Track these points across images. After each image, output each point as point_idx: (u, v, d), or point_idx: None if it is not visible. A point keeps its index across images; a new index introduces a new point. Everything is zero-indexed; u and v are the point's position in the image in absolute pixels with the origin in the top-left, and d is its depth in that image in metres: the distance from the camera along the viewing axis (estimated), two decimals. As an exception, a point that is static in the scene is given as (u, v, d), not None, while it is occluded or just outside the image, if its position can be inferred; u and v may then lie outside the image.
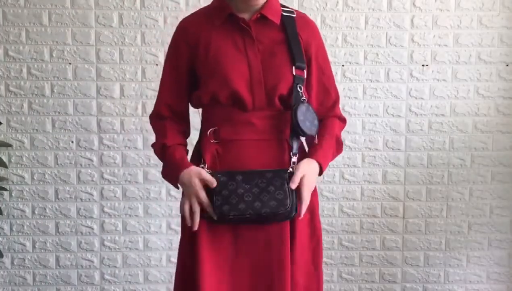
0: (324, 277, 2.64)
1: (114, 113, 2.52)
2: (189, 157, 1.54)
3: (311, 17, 2.52)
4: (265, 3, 1.47)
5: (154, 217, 2.57)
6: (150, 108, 2.50)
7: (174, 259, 2.60)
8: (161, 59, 2.49)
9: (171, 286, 2.61)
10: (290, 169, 1.40)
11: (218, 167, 1.45)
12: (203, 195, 1.39)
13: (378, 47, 2.53)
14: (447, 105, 2.57)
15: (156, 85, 2.49)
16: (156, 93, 2.54)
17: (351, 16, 2.51)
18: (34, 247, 2.57)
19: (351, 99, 2.55)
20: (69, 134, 2.52)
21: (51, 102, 2.51)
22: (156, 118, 1.57)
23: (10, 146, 2.48)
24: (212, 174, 1.40)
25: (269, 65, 1.45)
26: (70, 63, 2.49)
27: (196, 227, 1.40)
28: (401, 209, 2.62)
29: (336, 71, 2.53)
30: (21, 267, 2.58)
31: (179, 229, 2.60)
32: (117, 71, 2.50)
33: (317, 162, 1.46)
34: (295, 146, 1.43)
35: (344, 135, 2.56)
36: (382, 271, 2.65)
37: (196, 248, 1.43)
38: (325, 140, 1.51)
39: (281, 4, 1.54)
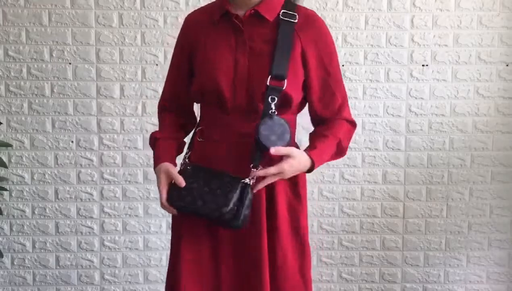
0: (324, 277, 2.65)
1: (114, 113, 2.52)
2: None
3: (311, 17, 2.52)
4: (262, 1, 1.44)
5: (154, 217, 2.57)
6: (150, 108, 2.51)
7: (174, 259, 2.60)
8: (161, 59, 2.49)
9: (171, 286, 2.62)
10: (247, 180, 1.36)
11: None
12: (163, 193, 1.43)
13: (378, 47, 2.54)
14: (447, 105, 2.57)
15: (156, 85, 2.51)
16: (156, 93, 2.56)
17: (351, 16, 2.51)
18: (34, 247, 2.57)
19: (351, 99, 2.52)
20: (69, 134, 2.52)
21: (51, 102, 2.51)
22: (159, 110, 1.63)
23: (10, 145, 2.48)
24: (186, 164, 1.47)
25: (256, 65, 1.41)
26: (70, 63, 2.49)
27: (174, 212, 1.44)
28: (401, 209, 2.62)
29: (336, 71, 2.53)
30: (21, 267, 2.58)
31: (179, 229, 2.60)
32: (117, 71, 2.50)
33: (310, 158, 1.41)
34: (256, 158, 1.36)
35: (344, 135, 2.56)
36: (382, 271, 2.65)
37: (177, 250, 1.49)
38: (327, 140, 1.46)
39: (287, 1, 1.47)
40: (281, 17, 1.43)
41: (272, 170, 1.34)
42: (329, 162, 2.63)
